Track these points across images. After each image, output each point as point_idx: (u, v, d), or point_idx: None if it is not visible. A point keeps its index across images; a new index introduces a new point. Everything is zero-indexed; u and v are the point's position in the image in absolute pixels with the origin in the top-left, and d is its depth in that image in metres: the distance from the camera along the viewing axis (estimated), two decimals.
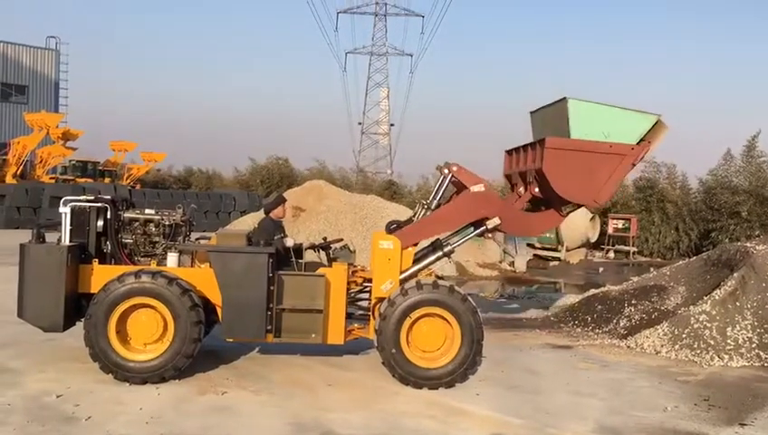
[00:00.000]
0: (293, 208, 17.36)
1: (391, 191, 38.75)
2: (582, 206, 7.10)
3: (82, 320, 6.32)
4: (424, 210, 7.17)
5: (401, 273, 6.77)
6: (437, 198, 7.15)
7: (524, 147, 7.39)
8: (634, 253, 24.69)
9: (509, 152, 7.82)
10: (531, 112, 7.81)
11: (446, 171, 7.09)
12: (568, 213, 7.21)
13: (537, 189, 7.10)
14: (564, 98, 6.84)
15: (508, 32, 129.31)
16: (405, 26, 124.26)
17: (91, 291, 6.36)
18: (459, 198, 7.10)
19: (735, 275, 8.98)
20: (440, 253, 7.06)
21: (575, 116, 6.75)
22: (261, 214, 7.65)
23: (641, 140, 6.88)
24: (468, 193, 7.00)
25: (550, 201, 7.17)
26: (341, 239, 7.64)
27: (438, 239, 7.24)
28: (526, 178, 7.25)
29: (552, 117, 7.18)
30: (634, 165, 6.89)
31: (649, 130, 6.88)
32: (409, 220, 7.24)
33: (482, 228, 7.06)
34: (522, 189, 7.35)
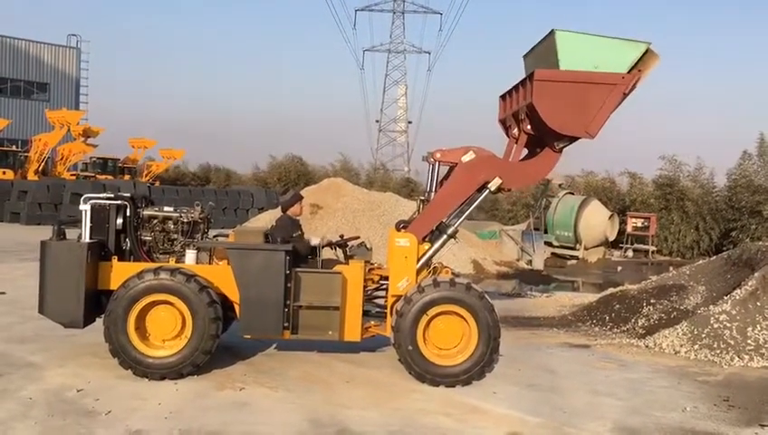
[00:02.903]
0: (311, 206, 17.43)
1: (409, 189, 38.75)
2: (576, 139, 6.97)
3: (102, 316, 6.39)
4: (424, 204, 7.15)
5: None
6: (433, 188, 7.12)
7: (516, 87, 7.26)
8: (653, 252, 24.46)
9: (502, 97, 7.68)
10: (523, 56, 7.65)
11: (431, 160, 7.07)
12: (562, 148, 7.04)
13: (529, 126, 6.97)
14: (552, 30, 6.73)
15: (526, 27, 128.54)
16: (423, 24, 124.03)
17: (111, 288, 6.43)
18: (455, 173, 7.00)
19: (756, 274, 8.87)
20: (445, 236, 7.00)
21: (563, 47, 6.63)
22: (278, 211, 7.68)
23: (632, 69, 6.75)
24: (461, 164, 6.94)
25: (543, 138, 7.02)
26: (358, 237, 7.65)
27: (442, 222, 7.18)
28: (519, 117, 7.11)
29: (541, 53, 7.05)
30: (626, 94, 6.72)
31: (640, 59, 6.74)
32: (413, 218, 7.20)
33: (485, 192, 7.00)
34: (515, 131, 7.22)
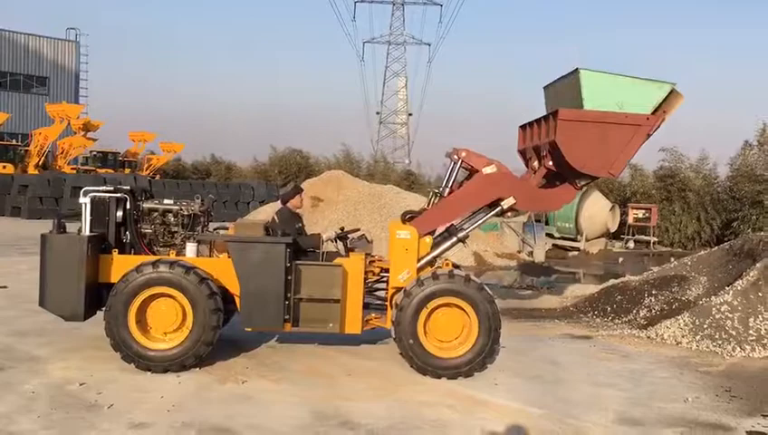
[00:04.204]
0: (312, 199, 17.42)
1: (409, 181, 38.71)
2: (597, 178, 7.00)
3: (103, 309, 6.39)
4: (437, 198, 7.14)
5: (418, 260, 6.76)
6: (449, 184, 7.09)
7: (538, 120, 7.26)
8: (654, 243, 24.45)
9: (522, 127, 7.70)
10: (544, 87, 7.70)
11: (455, 157, 7.05)
12: (583, 186, 7.09)
13: (551, 163, 6.97)
14: (576, 69, 6.72)
15: (526, 18, 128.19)
16: (423, 15, 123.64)
17: (111, 280, 6.42)
18: (472, 181, 7.02)
19: (758, 265, 8.86)
20: (455, 238, 7.00)
21: (588, 87, 6.63)
22: (279, 204, 7.67)
23: (656, 109, 6.75)
24: (481, 175, 6.93)
25: (565, 175, 7.04)
26: (359, 229, 7.63)
27: (453, 225, 7.17)
28: (540, 152, 7.12)
29: (564, 89, 7.07)
30: (649, 135, 6.74)
31: (664, 100, 6.74)
32: (423, 210, 7.20)
33: (497, 209, 7.00)
34: (536, 164, 7.23)
